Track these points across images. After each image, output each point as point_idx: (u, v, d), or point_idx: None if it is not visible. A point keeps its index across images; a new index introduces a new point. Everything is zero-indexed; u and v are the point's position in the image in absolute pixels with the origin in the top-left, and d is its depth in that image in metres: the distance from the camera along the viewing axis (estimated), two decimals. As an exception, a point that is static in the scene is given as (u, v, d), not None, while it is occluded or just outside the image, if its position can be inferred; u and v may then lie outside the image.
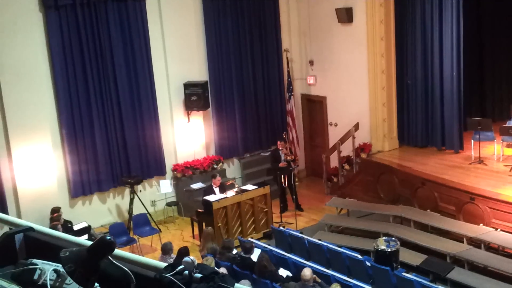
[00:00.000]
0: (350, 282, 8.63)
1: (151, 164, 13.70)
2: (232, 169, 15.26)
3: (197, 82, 13.89)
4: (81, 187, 12.72)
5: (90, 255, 2.30)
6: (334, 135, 15.19)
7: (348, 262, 9.74)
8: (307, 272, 8.11)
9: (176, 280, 2.32)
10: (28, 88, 11.69)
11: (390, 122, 14.33)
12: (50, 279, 2.49)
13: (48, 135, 12.07)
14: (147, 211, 12.83)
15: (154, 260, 2.64)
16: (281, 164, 13.53)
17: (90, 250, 2.33)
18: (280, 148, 13.75)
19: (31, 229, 3.00)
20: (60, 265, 2.43)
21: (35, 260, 2.62)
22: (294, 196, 13.47)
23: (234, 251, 9.89)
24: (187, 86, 13.81)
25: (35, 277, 2.54)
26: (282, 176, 13.36)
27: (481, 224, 10.83)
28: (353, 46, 14.37)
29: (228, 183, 13.24)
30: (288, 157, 13.53)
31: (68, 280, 2.46)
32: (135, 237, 11.95)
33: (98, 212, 13.06)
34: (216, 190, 12.44)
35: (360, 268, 9.50)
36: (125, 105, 13.14)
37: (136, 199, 12.78)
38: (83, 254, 2.32)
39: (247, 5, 14.85)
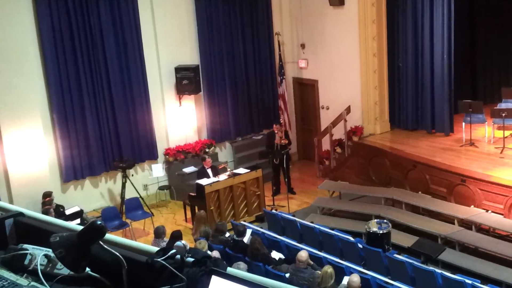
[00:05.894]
0: (342, 264, 8.69)
1: (143, 148, 13.67)
2: (224, 152, 15.26)
3: (188, 66, 13.82)
4: (73, 172, 12.69)
5: (81, 240, 2.30)
6: (326, 119, 15.18)
7: (340, 244, 9.79)
8: (303, 254, 8.16)
9: (167, 265, 2.32)
10: (19, 73, 11.60)
11: (382, 105, 14.33)
12: (41, 264, 2.50)
13: (39, 120, 12.00)
14: (140, 195, 12.83)
15: (146, 245, 2.64)
16: (276, 140, 13.53)
17: (80, 235, 2.32)
18: (276, 131, 13.74)
19: (21, 214, 2.99)
20: (51, 250, 2.43)
21: (25, 245, 2.62)
22: (286, 179, 13.50)
23: (227, 234, 9.92)
24: (178, 70, 13.74)
25: (26, 262, 2.55)
26: (274, 159, 13.41)
27: (472, 206, 10.90)
28: (345, 29, 14.32)
29: (220, 167, 13.24)
30: (282, 141, 13.52)
31: (59, 265, 2.47)
32: (128, 221, 11.95)
33: (90, 197, 13.04)
34: (209, 171, 12.47)
35: (352, 250, 9.56)
36: (116, 89, 13.07)
37: (128, 183, 12.77)
38: (73, 239, 2.31)
39: (238, -12, 14.77)
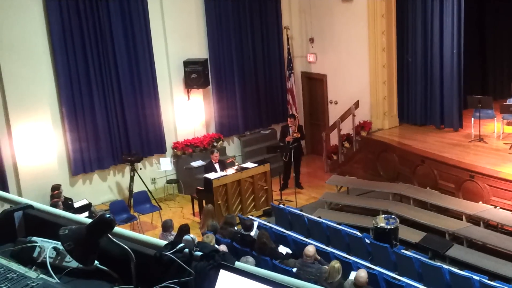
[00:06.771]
0: (350, 259, 8.68)
1: (151, 142, 13.69)
2: (232, 147, 15.27)
3: (197, 59, 13.81)
4: (81, 165, 12.73)
5: (90, 233, 2.31)
6: (334, 113, 15.15)
7: (348, 239, 9.79)
8: (310, 249, 8.16)
9: (176, 258, 2.32)
10: (28, 66, 11.63)
11: (390, 100, 14.29)
12: (49, 257, 2.50)
13: (48, 113, 12.04)
14: (148, 188, 12.87)
15: (154, 238, 2.64)
16: (287, 139, 13.52)
17: (89, 228, 2.33)
18: (290, 125, 13.74)
19: (30, 206, 2.99)
20: (60, 243, 2.44)
21: (34, 238, 2.63)
22: (294, 174, 13.49)
23: (236, 228, 9.93)
24: (187, 63, 13.74)
25: (35, 254, 2.56)
26: (284, 153, 13.40)
27: (480, 202, 10.86)
28: (354, 24, 14.27)
29: (228, 161, 13.25)
30: (295, 134, 13.51)
31: (68, 258, 2.47)
32: (136, 214, 11.99)
33: (99, 190, 13.08)
34: (216, 165, 12.49)
35: (359, 246, 9.55)
36: (125, 82, 13.09)
37: (136, 177, 12.80)
38: (82, 232, 2.32)
39: (247, -19, 14.74)
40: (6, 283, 2.31)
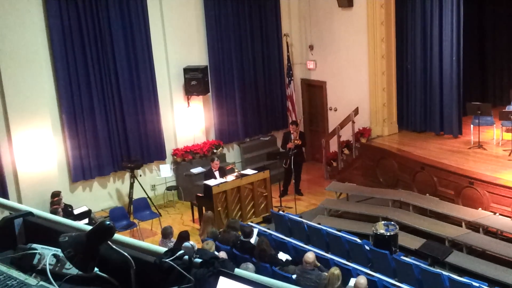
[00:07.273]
0: (349, 266, 8.68)
1: (151, 149, 13.71)
2: (232, 153, 15.27)
3: (197, 66, 13.84)
4: (81, 172, 12.74)
5: (90, 240, 2.31)
6: (333, 120, 15.17)
7: (347, 246, 9.78)
8: (310, 255, 8.16)
9: (175, 265, 2.33)
10: (28, 72, 11.66)
11: (390, 106, 14.31)
12: (49, 264, 2.51)
13: (48, 120, 12.06)
14: (147, 195, 12.87)
15: (154, 245, 2.64)
16: (288, 145, 13.51)
17: (89, 235, 2.34)
18: (292, 132, 13.75)
19: (30, 213, 3.00)
20: (60, 250, 2.44)
21: (34, 245, 2.64)
22: (294, 181, 13.48)
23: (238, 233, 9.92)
24: (187, 70, 13.77)
25: (35, 261, 2.56)
26: (284, 160, 13.40)
27: (480, 208, 10.86)
28: (353, 31, 14.31)
29: (228, 168, 13.25)
30: (296, 141, 13.50)
31: (68, 265, 2.48)
32: (135, 221, 11.99)
33: (99, 197, 13.08)
34: (216, 173, 12.50)
35: (359, 252, 9.55)
36: (125, 89, 13.11)
37: (136, 184, 12.81)
38: (82, 239, 2.32)
39: (247, -12, 14.79)
40: (6, 290, 2.32)
